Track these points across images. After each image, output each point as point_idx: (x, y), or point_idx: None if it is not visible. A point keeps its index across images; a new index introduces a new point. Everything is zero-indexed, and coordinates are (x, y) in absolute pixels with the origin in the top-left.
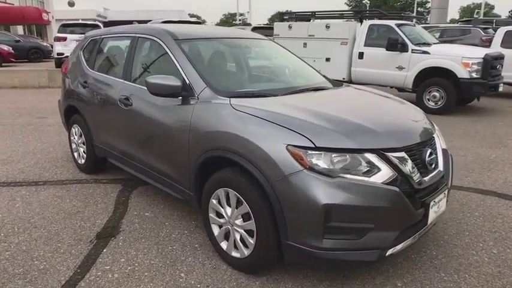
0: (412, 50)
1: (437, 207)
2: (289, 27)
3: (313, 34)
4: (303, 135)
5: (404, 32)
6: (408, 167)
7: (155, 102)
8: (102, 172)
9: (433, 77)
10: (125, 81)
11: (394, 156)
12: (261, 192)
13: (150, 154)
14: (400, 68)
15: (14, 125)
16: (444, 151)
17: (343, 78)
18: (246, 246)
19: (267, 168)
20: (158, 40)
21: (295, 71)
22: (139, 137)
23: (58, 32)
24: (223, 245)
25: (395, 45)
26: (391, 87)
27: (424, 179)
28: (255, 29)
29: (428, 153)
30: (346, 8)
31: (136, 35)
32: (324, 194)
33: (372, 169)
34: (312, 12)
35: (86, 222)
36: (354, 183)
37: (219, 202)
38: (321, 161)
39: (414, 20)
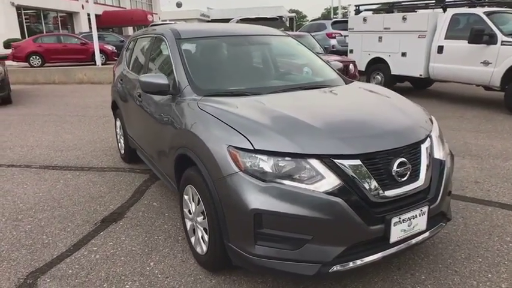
0: (502, 41)
1: (407, 225)
2: (364, 20)
3: (388, 27)
4: (245, 136)
5: (495, 21)
6: (363, 176)
7: (154, 98)
8: (138, 162)
9: None
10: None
11: (346, 164)
12: (210, 191)
13: (151, 146)
14: (486, 63)
15: (93, 117)
16: (437, 162)
17: (420, 75)
18: (205, 243)
19: (211, 167)
20: (165, 39)
21: (300, 68)
22: (145, 130)
23: None
24: (192, 240)
25: (480, 36)
26: (477, 85)
27: (386, 192)
28: (335, 22)
29: (397, 163)
30: None
31: (155, 35)
32: (254, 198)
33: (315, 176)
34: (391, 3)
35: (101, 206)
36: (290, 190)
37: (189, 198)
38: (256, 164)
39: None
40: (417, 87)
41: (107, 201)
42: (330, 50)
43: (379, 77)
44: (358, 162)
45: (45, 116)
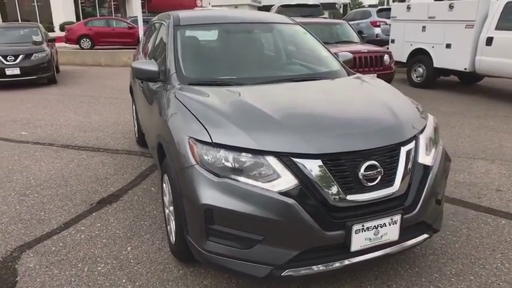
0: None
1: (373, 234)
2: (408, 8)
3: (433, 16)
4: (206, 129)
5: None
6: (324, 178)
7: (149, 85)
8: None
9: None
10: None
11: (305, 164)
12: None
13: (147, 132)
14: None
15: (124, 99)
16: (421, 167)
17: (465, 69)
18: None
19: (175, 158)
20: (166, 26)
21: (298, 59)
22: (143, 116)
23: None
24: (169, 228)
25: None
26: None
27: (348, 196)
28: (381, 10)
29: (365, 166)
30: None
31: (161, 21)
32: (206, 193)
33: (272, 174)
34: None
35: (102, 187)
36: (242, 188)
37: (166, 187)
38: (213, 158)
39: None
40: (464, 82)
41: (109, 183)
42: (367, 40)
43: (421, 70)
44: (318, 162)
45: (82, 97)
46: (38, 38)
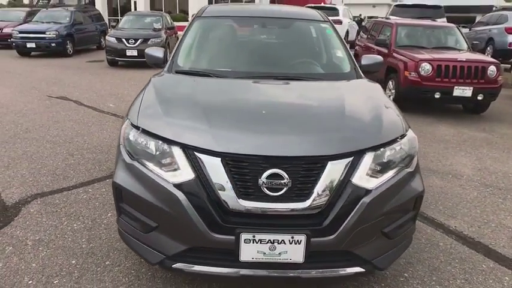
0: None
1: (267, 249)
2: None
3: None
4: (138, 112)
5: None
6: (220, 178)
7: None
8: None
9: None
10: None
11: (204, 159)
12: None
13: None
14: None
15: None
16: (354, 188)
17: None
18: None
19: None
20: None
21: (304, 57)
22: None
23: None
24: None
25: None
26: None
27: (241, 201)
28: (503, 9)
29: (267, 173)
30: None
31: None
32: (118, 172)
33: (173, 165)
34: None
35: None
36: (145, 173)
37: None
38: (133, 140)
39: None
40: None
41: None
42: (498, 49)
43: None
44: (218, 160)
45: None
46: (158, 26)
